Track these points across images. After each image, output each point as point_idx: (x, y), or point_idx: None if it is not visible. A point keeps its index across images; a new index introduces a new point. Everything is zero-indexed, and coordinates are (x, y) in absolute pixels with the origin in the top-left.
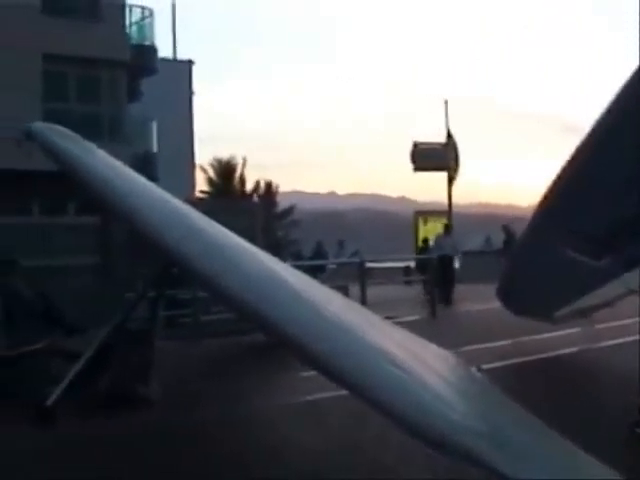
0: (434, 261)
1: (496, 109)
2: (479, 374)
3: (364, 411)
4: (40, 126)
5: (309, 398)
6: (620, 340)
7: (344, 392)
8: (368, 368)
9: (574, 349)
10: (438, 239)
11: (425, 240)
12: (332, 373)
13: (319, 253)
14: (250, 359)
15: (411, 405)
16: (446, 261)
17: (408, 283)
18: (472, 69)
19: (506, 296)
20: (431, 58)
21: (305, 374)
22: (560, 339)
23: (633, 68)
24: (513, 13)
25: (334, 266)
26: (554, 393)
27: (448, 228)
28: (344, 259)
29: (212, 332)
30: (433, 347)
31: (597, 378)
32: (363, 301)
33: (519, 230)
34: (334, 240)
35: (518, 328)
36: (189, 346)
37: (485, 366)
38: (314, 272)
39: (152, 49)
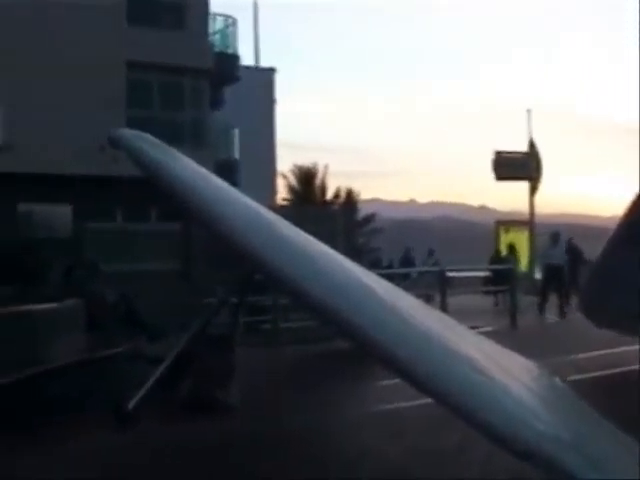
0: (513, 271)
1: (578, 119)
2: (564, 385)
3: (444, 420)
4: (124, 132)
5: (389, 407)
6: None
7: (424, 401)
8: (453, 375)
9: None
10: (546, 248)
11: (498, 252)
12: (417, 380)
13: (407, 260)
14: (329, 366)
15: (496, 413)
16: (554, 271)
17: (487, 293)
18: (554, 78)
19: (589, 308)
20: (514, 67)
21: (385, 382)
22: None
23: None
24: (600, 27)
25: (415, 274)
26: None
27: (557, 236)
28: (428, 267)
29: (291, 339)
30: (517, 357)
31: None
32: (444, 310)
33: (600, 242)
34: (416, 248)
35: (601, 340)
36: (268, 353)
37: (568, 379)
38: (398, 280)
39: (235, 57)
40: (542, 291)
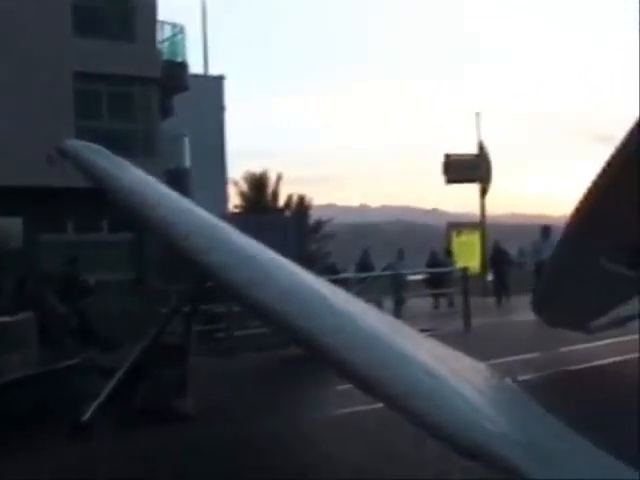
0: (454, 274)
1: (527, 119)
2: (514, 386)
3: (398, 424)
4: (73, 144)
5: (345, 411)
6: None
7: (378, 405)
8: (403, 379)
9: (614, 359)
10: (536, 243)
11: (433, 253)
12: (367, 384)
13: (365, 263)
14: (284, 373)
15: (446, 415)
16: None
17: (439, 295)
18: (502, 79)
19: (541, 308)
20: (462, 69)
21: (340, 388)
22: (597, 350)
23: None
24: (544, 24)
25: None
26: (590, 403)
27: (547, 231)
28: (382, 272)
29: (246, 346)
30: (467, 359)
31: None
32: (397, 313)
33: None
34: (370, 252)
35: (552, 339)
36: (223, 361)
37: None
38: (353, 284)
39: (183, 65)
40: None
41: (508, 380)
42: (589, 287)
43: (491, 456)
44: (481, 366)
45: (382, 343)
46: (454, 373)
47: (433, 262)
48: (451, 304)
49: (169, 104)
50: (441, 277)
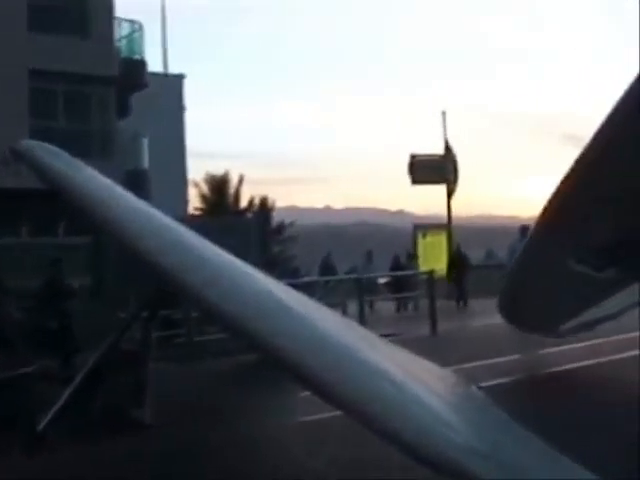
0: (420, 277)
1: (495, 119)
2: (479, 392)
3: (361, 432)
4: (28, 144)
5: (307, 419)
6: (625, 354)
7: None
8: (363, 385)
9: (585, 363)
10: (513, 243)
11: (395, 257)
12: (326, 391)
13: (327, 266)
14: (245, 379)
15: (408, 424)
16: None
17: (402, 299)
18: (470, 80)
19: (509, 311)
20: (429, 69)
21: (302, 394)
22: (567, 353)
23: (634, 74)
24: (512, 23)
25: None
26: (560, 407)
27: (526, 231)
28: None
29: (206, 352)
30: (431, 365)
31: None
32: (361, 316)
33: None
34: (333, 255)
35: (520, 343)
36: (183, 367)
37: (484, 383)
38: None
39: (142, 63)
40: None
41: (473, 386)
42: (557, 289)
43: (450, 464)
44: (445, 372)
45: (340, 347)
46: (415, 379)
47: (396, 266)
48: (410, 307)
49: (127, 103)
50: (403, 280)
